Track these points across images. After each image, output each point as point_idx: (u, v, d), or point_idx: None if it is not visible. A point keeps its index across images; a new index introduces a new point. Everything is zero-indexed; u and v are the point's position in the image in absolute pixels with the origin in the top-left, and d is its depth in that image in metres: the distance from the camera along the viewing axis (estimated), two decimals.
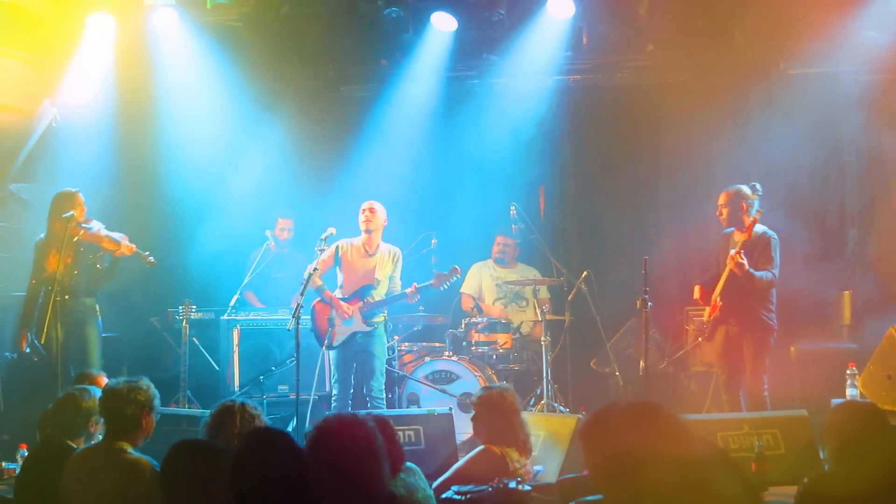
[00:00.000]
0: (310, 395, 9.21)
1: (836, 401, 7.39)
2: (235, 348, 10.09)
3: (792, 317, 9.23)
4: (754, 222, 8.34)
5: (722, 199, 8.58)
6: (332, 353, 9.26)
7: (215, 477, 4.09)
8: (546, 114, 11.10)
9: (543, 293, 10.72)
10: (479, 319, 10.30)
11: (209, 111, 10.91)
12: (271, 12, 10.32)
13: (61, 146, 10.56)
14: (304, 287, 8.71)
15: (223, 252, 10.90)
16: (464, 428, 8.28)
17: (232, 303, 10.29)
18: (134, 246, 8.98)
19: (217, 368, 10.28)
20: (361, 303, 9.18)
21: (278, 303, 10.54)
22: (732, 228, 8.66)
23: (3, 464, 8.31)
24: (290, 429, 8.98)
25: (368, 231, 9.30)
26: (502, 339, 10.23)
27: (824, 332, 10.18)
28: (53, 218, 8.86)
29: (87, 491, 5.26)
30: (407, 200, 10.79)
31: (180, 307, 9.91)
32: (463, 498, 5.22)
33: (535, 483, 6.12)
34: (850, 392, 8.25)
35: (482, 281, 10.90)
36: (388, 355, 9.78)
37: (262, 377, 9.82)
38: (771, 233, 8.47)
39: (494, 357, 10.19)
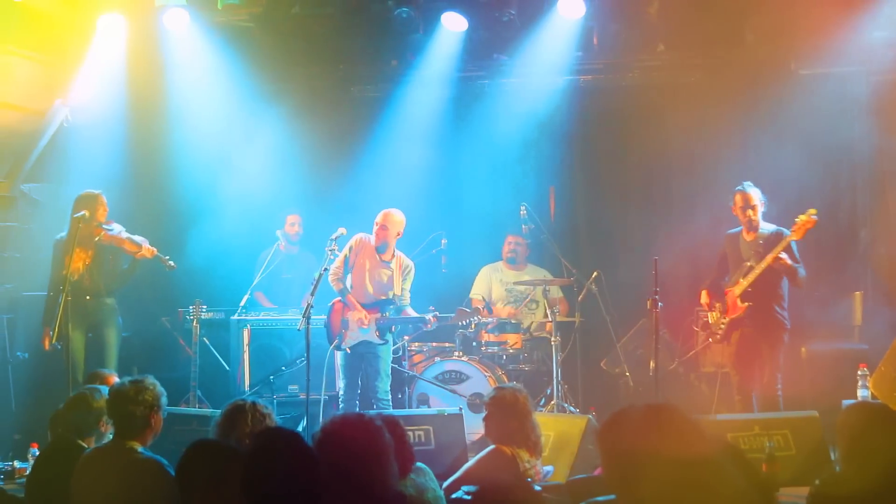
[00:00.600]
0: (320, 395, 9.22)
1: (847, 402, 7.34)
2: (246, 348, 10.10)
3: (803, 317, 9.22)
4: (808, 223, 8.34)
5: (741, 201, 8.57)
6: (339, 354, 9.26)
7: (231, 477, 4.09)
8: (556, 114, 11.09)
9: (554, 294, 10.70)
10: (489, 320, 10.29)
11: (219, 111, 10.92)
12: (282, 12, 10.33)
13: (72, 146, 10.58)
14: (315, 287, 8.70)
15: (233, 252, 10.92)
16: (474, 428, 8.29)
17: (242, 303, 10.31)
18: (154, 249, 9.04)
19: (227, 368, 10.29)
20: (380, 315, 9.17)
21: (288, 303, 10.55)
22: (740, 228, 8.66)
23: (15, 463, 8.33)
24: (300, 429, 8.99)
25: (379, 249, 9.25)
26: (512, 339, 10.23)
27: (835, 333, 10.15)
28: (76, 219, 8.93)
29: (97, 491, 5.27)
30: (417, 200, 10.76)
31: (191, 307, 9.92)
32: (473, 498, 5.21)
33: (545, 483, 6.11)
34: (862, 393, 8.22)
35: (491, 285, 10.88)
36: (398, 355, 9.80)
37: (272, 377, 9.84)
38: (783, 229, 8.49)
39: (504, 357, 10.18)
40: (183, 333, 10.34)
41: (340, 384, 9.29)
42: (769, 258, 8.30)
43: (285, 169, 11.13)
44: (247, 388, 9.92)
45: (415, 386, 9.97)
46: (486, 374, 9.79)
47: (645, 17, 10.17)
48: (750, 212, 8.56)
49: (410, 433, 7.06)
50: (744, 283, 8.51)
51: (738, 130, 10.73)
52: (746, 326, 8.53)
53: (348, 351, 9.14)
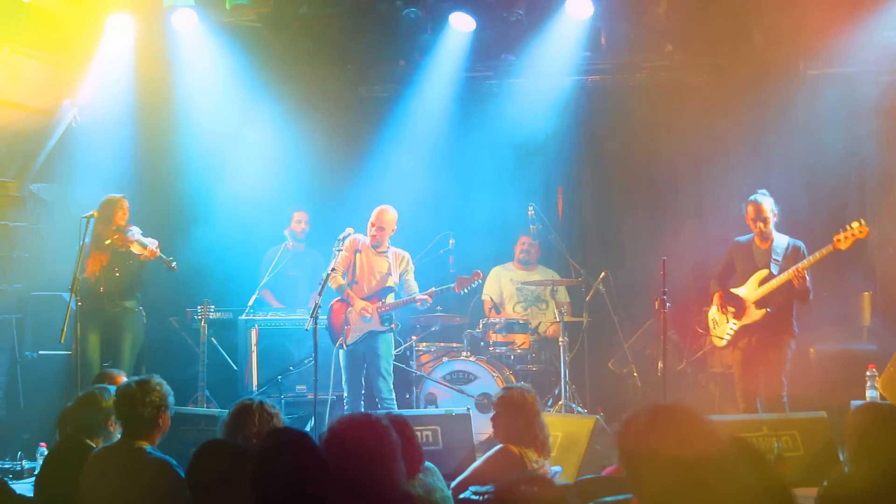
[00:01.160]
0: (328, 395, 9.22)
1: (855, 402, 7.33)
2: (253, 348, 10.11)
3: (811, 318, 9.20)
4: (857, 234, 8.29)
5: (753, 212, 8.54)
6: (341, 355, 9.26)
7: (241, 477, 4.10)
8: (564, 114, 11.08)
9: (562, 295, 10.69)
10: (497, 320, 10.30)
11: (227, 111, 10.95)
12: (290, 13, 10.34)
13: (81, 146, 10.61)
14: (322, 287, 8.71)
15: (241, 252, 10.94)
16: (482, 428, 8.30)
17: (250, 303, 10.32)
18: (158, 251, 9.06)
19: (235, 368, 10.31)
20: (380, 303, 9.19)
21: (294, 301, 10.58)
22: (751, 235, 8.64)
23: (24, 462, 8.36)
24: (308, 428, 9.00)
25: (375, 246, 9.31)
26: (520, 339, 10.22)
27: (844, 334, 10.14)
28: (97, 221, 8.97)
29: (105, 490, 5.28)
30: (425, 200, 10.80)
31: (199, 307, 9.94)
32: (481, 498, 5.21)
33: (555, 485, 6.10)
34: (870, 394, 8.21)
35: (502, 286, 10.89)
36: (406, 355, 9.80)
37: (279, 377, 9.85)
38: (800, 243, 8.47)
39: (512, 357, 10.18)
40: (191, 333, 10.36)
41: (344, 385, 9.30)
42: (801, 267, 8.23)
43: (293, 169, 11.13)
44: (255, 388, 9.93)
45: (422, 386, 9.98)
46: (493, 374, 9.79)
47: (653, 17, 10.15)
48: (761, 224, 8.52)
49: (418, 433, 7.05)
50: (762, 290, 8.46)
51: (747, 130, 10.71)
52: (756, 333, 8.50)
53: (345, 348, 9.13)
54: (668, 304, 8.07)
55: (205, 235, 10.80)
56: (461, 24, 10.38)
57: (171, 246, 9.63)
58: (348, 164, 11.25)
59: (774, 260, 8.48)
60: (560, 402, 9.56)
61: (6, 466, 8.52)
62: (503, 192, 11.08)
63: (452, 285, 9.30)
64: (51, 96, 10.50)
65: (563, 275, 10.59)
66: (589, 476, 6.31)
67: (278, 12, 10.35)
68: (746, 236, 8.75)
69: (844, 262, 10.00)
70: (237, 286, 10.73)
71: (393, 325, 9.30)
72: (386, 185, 10.62)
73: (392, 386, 9.21)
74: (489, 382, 9.72)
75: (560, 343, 9.70)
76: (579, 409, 9.59)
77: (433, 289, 9.28)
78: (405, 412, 8.47)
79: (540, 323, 10.51)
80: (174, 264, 9.11)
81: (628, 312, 10.14)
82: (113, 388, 6.08)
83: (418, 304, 9.28)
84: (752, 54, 10.47)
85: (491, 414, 6.35)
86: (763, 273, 8.50)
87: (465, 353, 10.08)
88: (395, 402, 9.19)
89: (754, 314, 8.49)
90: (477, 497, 5.30)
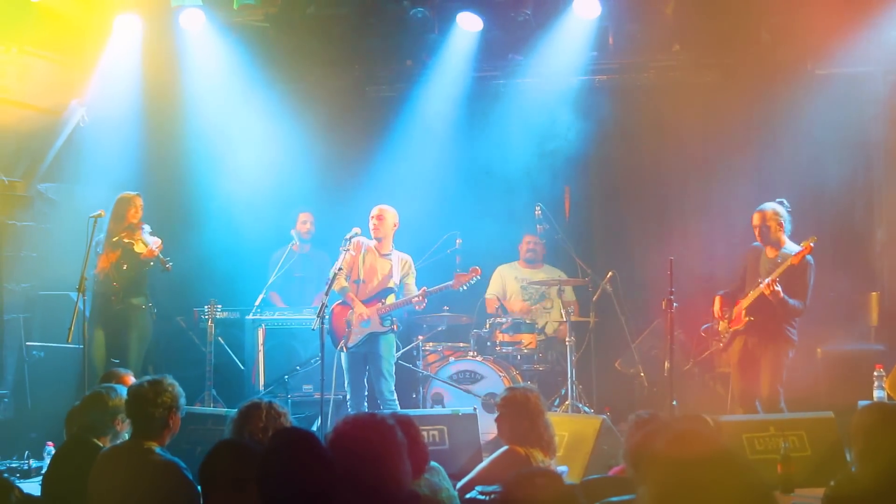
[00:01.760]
0: (334, 395, 9.23)
1: (862, 402, 7.32)
2: (260, 348, 10.13)
3: (819, 318, 9.17)
4: (804, 251, 8.26)
5: (756, 220, 8.53)
6: (343, 357, 9.26)
7: (252, 477, 4.11)
8: (571, 114, 11.07)
9: (569, 295, 10.69)
10: (504, 320, 10.29)
11: (235, 111, 10.97)
12: (297, 13, 10.36)
13: (88, 146, 10.63)
14: (329, 287, 8.73)
15: (248, 252, 10.96)
16: (488, 428, 8.27)
17: (257, 302, 10.34)
18: (156, 251, 9.08)
19: (242, 368, 10.32)
20: (380, 304, 9.20)
21: (300, 302, 10.59)
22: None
23: (31, 461, 8.38)
24: (314, 428, 9.01)
25: (378, 238, 9.34)
26: (527, 339, 10.22)
27: (851, 334, 10.12)
28: (111, 220, 9.02)
29: (114, 490, 5.29)
30: (432, 200, 10.81)
31: (206, 307, 9.96)
32: (487, 498, 5.21)
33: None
34: (878, 394, 8.19)
35: (506, 284, 10.89)
36: (413, 355, 9.81)
37: (286, 377, 9.86)
38: (810, 259, 8.41)
39: (519, 357, 10.18)
40: (198, 333, 10.37)
41: (346, 387, 9.31)
42: (766, 284, 8.22)
43: (300, 169, 11.14)
44: (261, 388, 9.94)
45: (429, 386, 9.98)
46: (500, 374, 9.79)
47: (660, 16, 10.15)
48: (757, 232, 8.52)
49: (424, 433, 7.04)
50: (749, 297, 8.47)
51: (754, 130, 10.70)
52: (750, 337, 8.50)
53: (346, 351, 9.14)
54: (675, 305, 8.06)
55: (212, 235, 10.82)
56: (468, 24, 10.38)
57: (177, 245, 9.65)
58: (355, 164, 11.26)
59: (768, 271, 8.44)
60: (567, 402, 9.56)
61: (14, 465, 8.54)
62: (510, 192, 11.08)
63: (450, 282, 9.30)
64: (58, 96, 10.52)
65: (570, 274, 10.59)
66: (595, 476, 6.30)
67: (286, 12, 10.37)
68: (759, 243, 8.73)
69: (851, 263, 10.01)
70: (244, 286, 10.74)
71: (395, 327, 9.31)
72: (393, 185, 10.62)
73: (393, 387, 9.22)
74: (496, 382, 9.72)
75: (567, 343, 9.69)
76: (586, 408, 9.58)
77: (424, 288, 9.29)
78: (411, 412, 8.47)
79: (546, 323, 10.51)
80: (169, 265, 9.13)
81: (635, 312, 10.15)
82: (120, 388, 6.10)
83: (415, 304, 9.29)
84: (759, 54, 10.45)
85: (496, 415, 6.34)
86: (759, 281, 8.48)
87: (471, 353, 10.09)
88: (396, 402, 9.20)
89: (742, 320, 8.49)
90: (483, 497, 5.30)
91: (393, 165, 11.02)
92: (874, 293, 10.24)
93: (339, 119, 11.39)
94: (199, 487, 5.05)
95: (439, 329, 10.48)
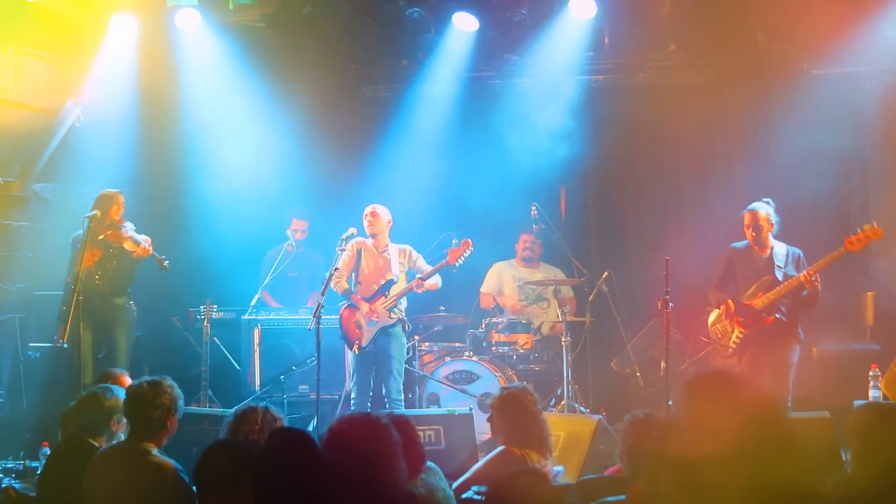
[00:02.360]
0: (330, 395, 9.23)
1: (858, 402, 7.32)
2: (256, 348, 10.12)
3: (815, 318, 9.18)
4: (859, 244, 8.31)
5: (749, 220, 8.55)
6: (350, 356, 9.29)
7: (249, 477, 4.11)
8: (567, 114, 11.06)
9: (566, 293, 10.69)
10: (500, 319, 10.30)
11: (230, 111, 10.95)
12: (293, 12, 10.35)
13: (84, 146, 10.62)
14: (325, 287, 8.72)
15: (244, 252, 10.95)
16: (484, 428, 8.24)
17: (253, 303, 10.33)
18: (151, 249, 9.03)
19: (238, 368, 10.32)
20: (384, 298, 9.23)
21: (295, 302, 10.59)
22: (747, 242, 8.64)
23: (27, 462, 8.36)
24: (310, 428, 9.00)
25: (373, 235, 9.38)
26: (522, 339, 10.21)
27: (847, 334, 10.13)
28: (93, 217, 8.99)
29: (110, 490, 5.28)
30: (428, 200, 10.81)
31: (202, 307, 9.95)
32: (483, 498, 5.21)
33: (555, 484, 6.10)
34: (873, 394, 8.20)
35: (503, 281, 10.89)
36: (408, 355, 9.80)
37: (282, 377, 9.86)
38: (798, 251, 8.49)
39: (515, 357, 10.18)
40: (194, 333, 10.36)
41: (351, 385, 9.31)
42: (812, 269, 8.23)
43: (296, 169, 11.14)
44: (257, 388, 9.94)
45: (425, 386, 9.98)
46: (496, 374, 9.79)
47: (656, 17, 10.15)
48: (753, 232, 8.53)
49: (420, 433, 7.05)
50: (766, 297, 8.45)
51: (750, 131, 10.70)
52: (763, 340, 8.49)
53: (357, 352, 9.16)
54: (670, 304, 8.06)
55: (207, 235, 10.82)
56: (464, 24, 10.38)
57: (173, 245, 9.64)
58: (351, 164, 11.26)
59: (777, 266, 8.47)
60: (563, 402, 9.56)
61: (9, 466, 8.53)
62: (506, 192, 11.07)
63: (445, 260, 9.30)
64: (54, 96, 10.51)
65: (566, 274, 10.59)
66: (591, 476, 6.30)
67: (282, 12, 10.36)
68: (743, 243, 8.74)
69: (847, 263, 9.97)
70: (240, 286, 10.74)
71: (406, 326, 9.35)
72: (389, 185, 10.62)
73: (402, 387, 9.25)
74: (492, 382, 9.72)
75: (563, 343, 9.70)
76: (582, 408, 9.58)
77: (418, 278, 9.31)
78: (407, 412, 8.47)
79: (542, 322, 10.51)
80: (166, 263, 9.08)
81: (631, 312, 10.15)
82: (116, 388, 6.10)
83: (415, 288, 9.30)
84: (755, 54, 10.45)
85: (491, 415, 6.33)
86: (767, 279, 8.48)
87: (467, 353, 10.09)
88: (403, 402, 9.22)
89: (762, 321, 8.47)
90: (479, 497, 5.30)
91: (389, 165, 11.03)
92: (869, 293, 10.25)
93: (335, 119, 11.39)
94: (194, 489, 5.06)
95: (435, 329, 10.48)
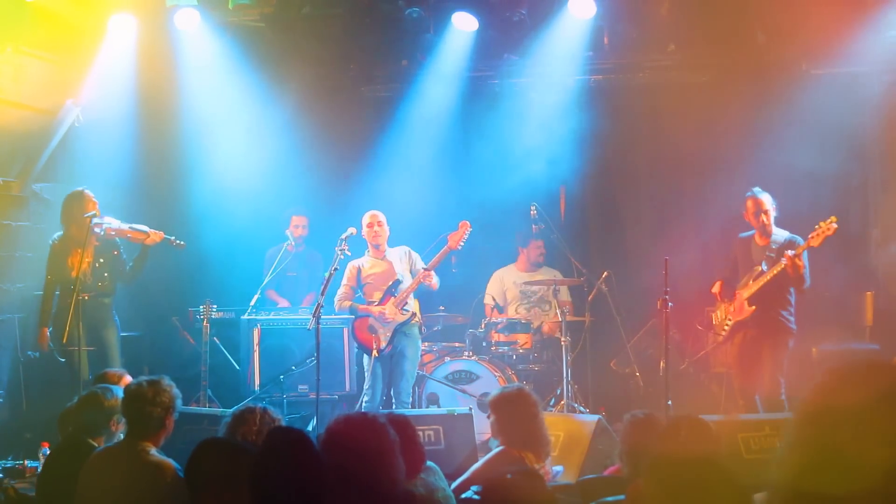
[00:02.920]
0: (330, 395, 9.23)
1: None
2: (256, 347, 10.11)
3: (814, 318, 9.19)
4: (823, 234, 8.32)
5: (752, 206, 8.58)
6: (367, 360, 9.30)
7: (240, 476, 4.10)
8: (567, 114, 11.06)
9: (564, 295, 10.69)
10: (499, 320, 10.30)
11: (229, 110, 10.95)
12: (293, 12, 10.35)
13: (83, 146, 10.60)
14: (325, 287, 8.72)
15: (243, 252, 10.96)
16: (483, 428, 8.27)
17: (252, 302, 10.32)
18: (162, 232, 9.07)
19: (237, 368, 10.31)
20: (394, 298, 9.26)
21: (293, 300, 10.62)
22: (752, 232, 8.67)
23: (26, 462, 8.36)
24: (309, 428, 9.01)
25: (376, 245, 9.45)
26: (522, 339, 10.22)
27: (846, 333, 10.12)
28: (69, 218, 8.95)
29: (108, 491, 5.28)
30: (427, 200, 10.81)
31: (201, 307, 9.94)
32: (479, 498, 5.22)
33: (555, 483, 6.10)
34: None
35: (506, 290, 10.87)
36: None
37: (282, 377, 9.85)
38: (797, 237, 8.50)
39: (514, 357, 10.19)
40: (193, 333, 10.37)
41: (365, 388, 9.32)
42: (784, 262, 8.26)
43: (295, 168, 11.15)
44: (257, 388, 9.93)
45: (424, 386, 9.98)
46: (496, 374, 9.79)
47: (656, 16, 10.15)
48: (763, 216, 8.55)
49: (420, 433, 7.05)
50: (753, 286, 8.51)
51: (750, 130, 10.71)
52: (750, 329, 8.54)
53: (377, 355, 9.19)
54: (670, 304, 8.06)
55: (207, 235, 10.81)
56: (464, 24, 10.37)
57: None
58: (350, 164, 11.26)
59: (767, 256, 8.51)
60: (562, 402, 9.56)
61: (9, 466, 8.52)
62: (505, 192, 11.07)
63: (447, 246, 9.31)
64: (53, 96, 10.49)
65: (566, 274, 10.59)
66: (591, 476, 6.31)
67: (281, 12, 10.35)
68: (748, 233, 8.78)
69: (846, 262, 10.02)
70: (239, 285, 10.73)
71: (422, 328, 9.44)
72: (388, 185, 10.63)
73: (412, 388, 9.28)
74: (491, 382, 9.72)
75: (562, 343, 9.70)
76: (581, 408, 9.58)
77: (424, 271, 9.33)
78: (407, 412, 8.48)
79: (542, 323, 10.51)
80: (180, 242, 9.17)
81: (630, 312, 10.15)
82: (116, 388, 6.09)
83: (426, 283, 9.34)
84: (754, 54, 10.46)
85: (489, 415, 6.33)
86: (756, 269, 8.53)
87: (467, 353, 10.09)
88: (410, 405, 9.26)
89: (745, 310, 8.54)
90: (479, 497, 5.30)
91: (388, 165, 11.04)
92: (869, 293, 10.25)
93: (334, 119, 11.39)
94: None
95: (435, 329, 10.49)
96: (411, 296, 9.45)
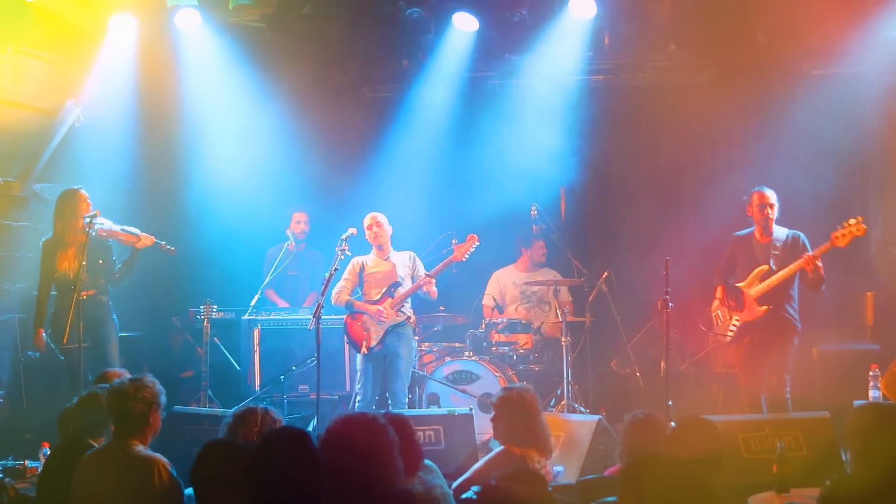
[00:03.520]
0: (330, 395, 9.23)
1: (858, 402, 7.33)
2: (256, 348, 10.11)
3: (815, 318, 9.19)
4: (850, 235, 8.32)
5: (758, 199, 8.58)
6: (360, 358, 9.31)
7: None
8: (567, 114, 11.06)
9: (564, 295, 10.69)
10: (500, 320, 10.30)
11: (230, 111, 10.95)
12: (293, 13, 10.35)
13: (84, 146, 10.60)
14: (325, 287, 8.72)
15: (244, 252, 10.95)
16: (484, 428, 8.29)
17: (253, 302, 10.32)
18: (153, 236, 9.03)
19: (238, 368, 10.31)
20: (391, 299, 9.26)
21: (294, 300, 10.61)
22: (751, 230, 8.66)
23: (27, 462, 8.36)
24: (310, 428, 9.00)
25: (379, 246, 9.47)
26: (522, 339, 10.22)
27: (847, 334, 10.14)
28: (62, 218, 8.92)
29: (97, 491, 5.28)
30: (427, 200, 10.82)
31: (202, 307, 9.94)
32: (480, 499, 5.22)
33: (556, 484, 6.10)
34: (873, 394, 8.20)
35: (505, 291, 10.87)
36: None
37: (282, 377, 9.85)
38: (800, 233, 8.51)
39: (515, 357, 10.18)
40: (193, 333, 10.37)
41: (357, 387, 9.33)
42: (803, 260, 8.23)
43: (296, 169, 11.14)
44: (257, 388, 9.93)
45: (425, 386, 9.98)
46: (496, 374, 9.79)
47: (656, 17, 10.15)
48: (768, 209, 8.54)
49: (420, 433, 7.06)
50: (763, 286, 8.47)
51: (750, 131, 10.71)
52: (759, 330, 8.51)
53: (367, 352, 9.18)
54: (670, 305, 8.06)
55: (207, 235, 10.82)
56: (464, 24, 10.38)
57: (173, 245, 9.61)
58: (351, 164, 11.26)
59: (773, 255, 8.49)
60: (563, 403, 9.56)
61: (9, 466, 8.52)
62: (506, 193, 11.06)
63: (452, 256, 9.32)
64: (54, 96, 10.49)
65: (566, 275, 10.58)
66: (591, 476, 6.31)
67: (281, 12, 10.35)
68: (746, 231, 8.76)
69: (847, 262, 10.01)
70: (240, 286, 10.73)
71: (416, 328, 9.40)
72: (389, 186, 10.63)
73: (407, 388, 9.28)
74: (492, 382, 9.72)
75: (563, 343, 9.70)
76: (582, 409, 9.58)
77: (423, 277, 9.33)
78: (407, 412, 8.48)
79: (542, 323, 10.51)
80: (171, 248, 9.09)
81: (631, 312, 10.16)
82: None
83: (425, 290, 9.34)
84: (755, 54, 10.45)
85: (492, 414, 6.34)
86: (763, 269, 8.51)
87: (467, 353, 10.09)
88: (406, 403, 9.24)
89: (756, 311, 8.50)
90: (477, 498, 5.30)
91: (389, 165, 11.04)
92: (869, 293, 10.26)
93: (334, 119, 11.39)
94: (185, 488, 5.07)
95: (435, 329, 10.49)
96: (408, 300, 9.45)
